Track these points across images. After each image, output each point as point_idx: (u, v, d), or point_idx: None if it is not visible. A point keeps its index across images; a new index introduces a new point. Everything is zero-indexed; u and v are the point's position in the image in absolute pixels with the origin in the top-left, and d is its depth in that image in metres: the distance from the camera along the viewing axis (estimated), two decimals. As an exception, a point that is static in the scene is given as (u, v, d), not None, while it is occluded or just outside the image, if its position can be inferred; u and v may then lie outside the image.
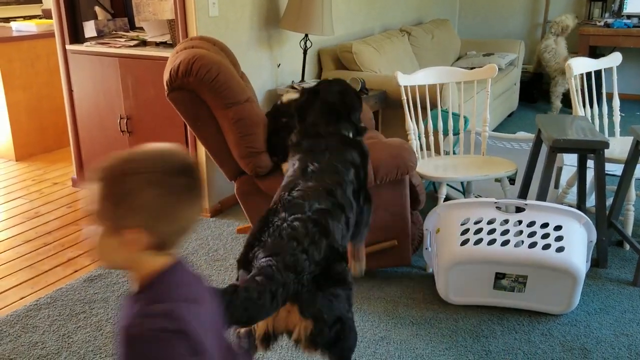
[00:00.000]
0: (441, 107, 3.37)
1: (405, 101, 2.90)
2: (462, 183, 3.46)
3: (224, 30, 3.23)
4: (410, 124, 2.92)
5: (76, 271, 2.83)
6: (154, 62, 3.22)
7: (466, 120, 3.19)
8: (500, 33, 6.47)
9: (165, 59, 3.18)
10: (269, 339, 1.59)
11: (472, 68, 5.28)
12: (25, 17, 5.40)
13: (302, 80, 3.72)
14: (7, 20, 5.23)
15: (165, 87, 2.37)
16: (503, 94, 5.04)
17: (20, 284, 2.72)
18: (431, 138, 3.02)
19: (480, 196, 3.50)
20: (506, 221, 2.39)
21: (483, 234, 2.36)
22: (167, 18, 3.43)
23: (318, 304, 1.55)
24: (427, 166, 2.89)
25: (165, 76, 2.37)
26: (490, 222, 2.39)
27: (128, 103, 3.42)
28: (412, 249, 2.69)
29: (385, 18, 5.08)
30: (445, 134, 3.15)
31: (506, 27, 6.48)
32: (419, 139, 2.99)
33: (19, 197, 3.73)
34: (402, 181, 2.50)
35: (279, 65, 3.71)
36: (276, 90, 3.64)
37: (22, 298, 2.60)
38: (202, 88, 2.33)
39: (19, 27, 4.55)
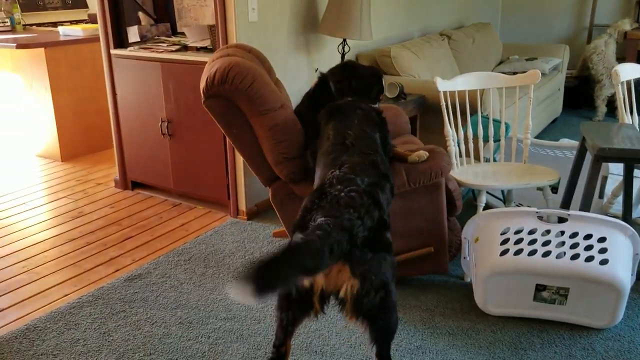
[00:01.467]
0: (482, 112, 3.32)
1: (444, 107, 2.87)
2: (502, 191, 3.39)
3: (263, 36, 3.26)
4: (450, 130, 2.88)
5: (117, 270, 2.89)
6: (195, 66, 3.27)
7: (507, 127, 3.14)
8: (544, 37, 6.34)
9: (206, 64, 3.23)
10: (323, 298, 1.66)
11: (514, 73, 5.18)
12: (72, 22, 5.57)
13: (341, 84, 3.72)
14: (55, 24, 5.39)
15: (202, 95, 2.41)
16: (546, 99, 4.93)
17: (63, 282, 2.80)
18: (471, 145, 2.97)
19: (522, 205, 3.43)
20: (548, 232, 2.33)
21: (523, 244, 2.31)
22: (208, 23, 3.48)
23: (367, 264, 1.64)
24: (467, 173, 2.84)
25: (202, 84, 2.41)
26: (531, 232, 2.34)
27: (169, 106, 3.48)
28: (449, 257, 2.65)
29: (425, 22, 5.04)
30: (486, 140, 3.10)
31: (550, 31, 6.34)
32: (458, 145, 2.95)
33: (63, 197, 3.84)
34: (438, 186, 2.47)
35: (316, 70, 3.72)
36: (315, 94, 3.64)
37: (66, 295, 2.67)
38: (237, 95, 2.36)
39: (65, 32, 4.69)
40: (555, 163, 3.29)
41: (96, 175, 4.23)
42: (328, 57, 3.81)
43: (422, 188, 2.44)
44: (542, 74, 5.00)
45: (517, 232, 2.35)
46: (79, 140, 4.63)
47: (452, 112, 2.95)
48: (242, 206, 3.40)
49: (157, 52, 3.42)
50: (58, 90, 4.41)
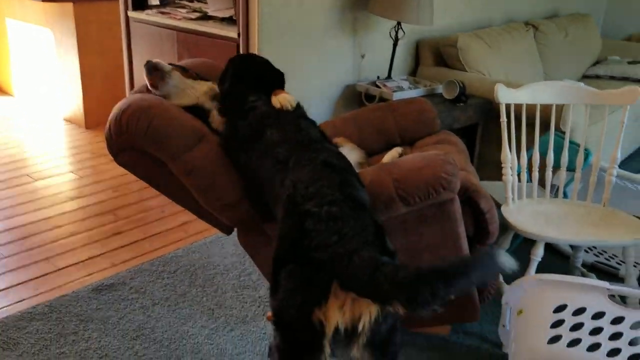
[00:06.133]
0: (557, 130, 2.61)
1: (504, 124, 2.21)
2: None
3: (294, 11, 2.69)
4: (508, 155, 2.21)
5: (90, 275, 2.48)
6: (214, 40, 2.76)
7: (587, 155, 2.43)
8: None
9: (227, 38, 2.71)
10: (336, 338, 1.34)
11: (611, 77, 4.34)
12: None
13: (389, 76, 3.09)
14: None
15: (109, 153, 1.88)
16: (646, 113, 4.06)
17: (26, 281, 2.41)
18: (536, 173, 2.30)
19: (599, 260, 2.73)
20: (620, 319, 1.67)
21: (583, 333, 1.67)
22: (237, -10, 2.94)
23: None
24: (524, 212, 2.19)
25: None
26: (596, 317, 1.68)
27: (184, 84, 3.00)
28: (481, 299, 2.01)
29: (511, 7, 4.25)
30: (557, 167, 2.41)
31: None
32: (519, 174, 2.29)
33: (69, 172, 3.48)
34: (448, 212, 1.78)
35: (363, 56, 3.11)
36: (355, 86, 3.05)
37: (21, 300, 2.29)
38: (141, 143, 1.79)
39: (104, -13, 4.29)
40: (647, 204, 2.57)
41: (114, 150, 3.85)
42: (379, 40, 3.18)
43: (429, 216, 1.78)
44: (646, 81, 4.13)
45: (576, 314, 1.70)
46: (105, 107, 4.24)
47: (516, 130, 2.28)
48: (252, 210, 2.89)
49: (174, 18, 2.93)
50: (86, 52, 4.03)
